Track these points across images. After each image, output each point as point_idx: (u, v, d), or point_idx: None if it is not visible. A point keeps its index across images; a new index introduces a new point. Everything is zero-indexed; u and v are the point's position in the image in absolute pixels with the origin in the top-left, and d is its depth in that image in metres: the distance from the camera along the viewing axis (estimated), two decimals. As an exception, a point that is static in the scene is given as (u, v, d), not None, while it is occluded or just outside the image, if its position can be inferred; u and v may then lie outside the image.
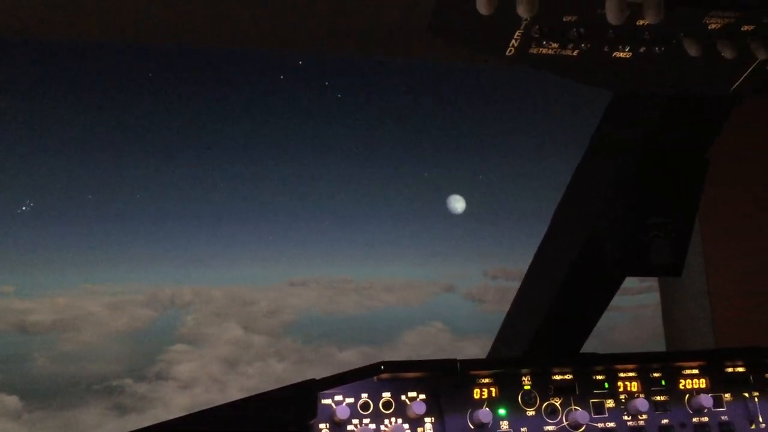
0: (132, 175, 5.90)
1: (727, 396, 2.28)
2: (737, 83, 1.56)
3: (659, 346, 4.53)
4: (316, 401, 1.96)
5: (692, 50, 1.39)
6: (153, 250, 6.45)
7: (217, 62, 5.92)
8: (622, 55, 1.43)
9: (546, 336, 2.50)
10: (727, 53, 1.40)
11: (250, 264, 6.96)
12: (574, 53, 1.40)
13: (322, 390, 2.00)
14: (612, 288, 2.36)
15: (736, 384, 2.30)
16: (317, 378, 2.03)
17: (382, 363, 2.04)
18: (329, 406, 2.04)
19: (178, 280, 6.89)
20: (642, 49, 1.42)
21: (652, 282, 4.77)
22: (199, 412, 1.86)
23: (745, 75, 1.54)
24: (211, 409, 1.89)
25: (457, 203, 7.04)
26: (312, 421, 1.95)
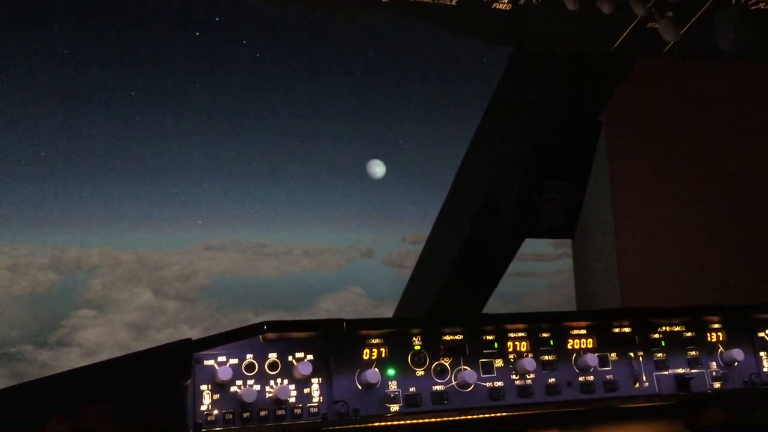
0: (35, 132, 5.54)
1: (613, 355, 2.32)
2: (618, 41, 1.55)
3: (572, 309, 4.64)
4: (190, 361, 1.88)
5: (570, 4, 1.36)
6: (58, 210, 6.15)
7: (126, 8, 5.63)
8: (501, 6, 1.38)
9: (448, 297, 2.49)
10: (605, 7, 1.38)
11: (163, 226, 6.74)
12: (453, 2, 1.35)
13: (201, 350, 1.92)
14: (511, 249, 2.35)
15: (621, 344, 2.34)
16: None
17: (265, 322, 1.97)
18: (211, 367, 1.95)
19: (84, 242, 6.60)
20: (521, 1, 1.38)
21: (567, 248, 4.87)
22: (66, 371, 1.75)
23: (625, 33, 1.52)
24: (81, 368, 1.79)
25: (377, 168, 6.99)
26: (188, 382, 1.86)
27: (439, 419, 2.48)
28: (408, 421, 2.45)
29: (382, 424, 2.43)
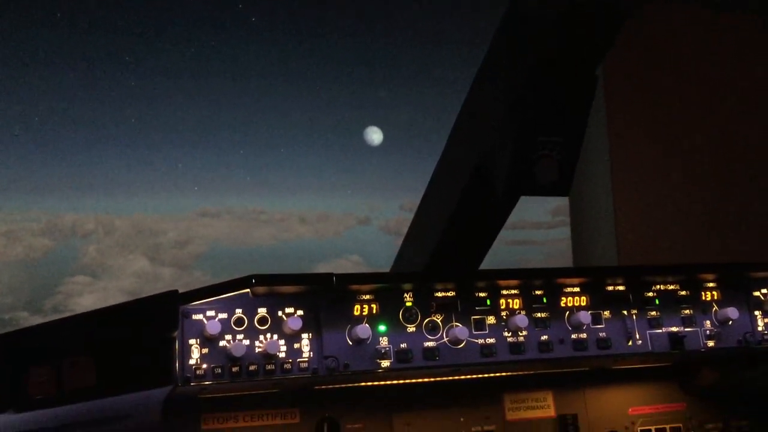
0: (29, 96, 5.48)
1: (606, 314, 2.31)
2: None
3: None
4: (177, 313, 1.85)
5: None
6: (53, 176, 6.09)
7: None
8: None
9: (442, 256, 2.46)
10: None
11: (158, 192, 6.69)
12: None
13: (188, 302, 1.90)
14: (506, 207, 2.32)
15: (615, 302, 2.33)
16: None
17: (253, 275, 1.95)
18: (199, 321, 1.94)
19: (78, 208, 6.55)
20: None
21: (565, 216, 4.82)
22: (49, 321, 1.73)
23: None
24: (63, 318, 1.77)
25: (375, 135, 6.93)
26: (175, 334, 1.84)
27: (431, 378, 2.48)
28: (399, 381, 2.45)
29: (375, 383, 2.45)
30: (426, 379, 2.51)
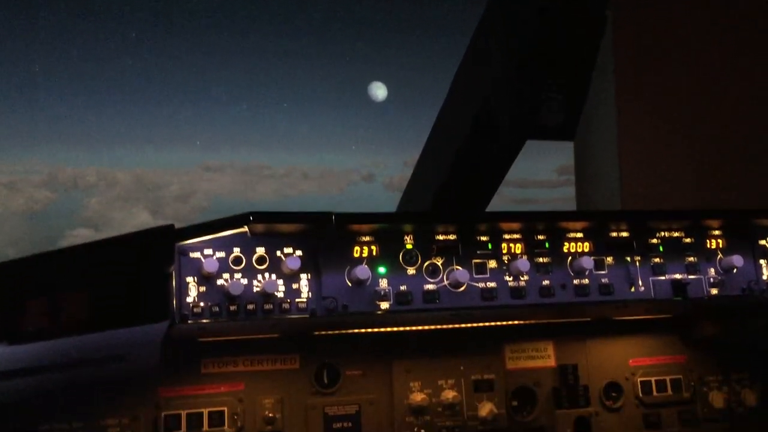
0: (31, 45, 5.39)
1: (609, 260, 2.28)
2: None
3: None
4: (173, 248, 1.83)
5: None
6: (54, 127, 6.03)
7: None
8: None
9: (447, 199, 2.42)
10: None
11: (161, 146, 6.62)
12: None
13: (185, 239, 1.87)
14: (511, 151, 2.27)
15: (618, 248, 2.30)
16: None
17: (251, 213, 1.92)
18: (197, 259, 1.92)
19: (80, 161, 6.51)
20: None
21: (570, 176, 4.77)
22: (43, 252, 1.71)
23: None
24: (57, 250, 1.74)
25: (379, 90, 6.84)
26: (171, 268, 1.82)
27: (431, 326, 2.47)
28: (399, 328, 2.44)
29: (375, 330, 2.43)
30: (426, 327, 2.50)
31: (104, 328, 1.71)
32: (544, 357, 2.67)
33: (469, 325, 2.53)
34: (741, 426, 2.79)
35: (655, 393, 2.72)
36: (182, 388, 2.30)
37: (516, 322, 2.59)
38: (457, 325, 2.51)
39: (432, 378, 2.52)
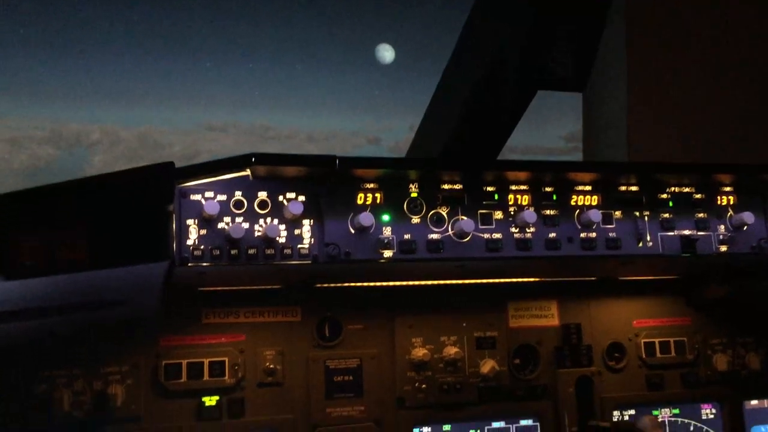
0: (33, 1, 5.30)
1: (618, 214, 2.24)
2: None
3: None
4: (172, 186, 1.79)
5: None
6: (58, 83, 5.96)
7: None
8: None
9: (456, 148, 2.37)
10: None
11: (165, 105, 6.57)
12: None
13: (185, 179, 1.83)
14: (521, 101, 2.21)
15: (627, 202, 2.25)
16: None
17: (253, 154, 1.87)
18: (198, 201, 1.88)
19: (84, 118, 6.45)
20: None
21: (578, 143, 4.72)
22: (37, 187, 1.67)
23: None
24: (53, 185, 1.71)
25: (386, 53, 6.73)
26: (171, 207, 1.78)
27: (435, 281, 2.43)
28: (402, 283, 2.41)
29: (377, 284, 2.40)
30: (429, 282, 2.47)
31: (102, 266, 1.68)
32: (548, 316, 2.64)
33: (472, 281, 2.50)
34: (744, 389, 2.77)
35: (658, 354, 2.70)
36: (183, 338, 2.29)
37: (520, 279, 2.56)
38: (460, 281, 2.48)
39: (434, 334, 2.50)
